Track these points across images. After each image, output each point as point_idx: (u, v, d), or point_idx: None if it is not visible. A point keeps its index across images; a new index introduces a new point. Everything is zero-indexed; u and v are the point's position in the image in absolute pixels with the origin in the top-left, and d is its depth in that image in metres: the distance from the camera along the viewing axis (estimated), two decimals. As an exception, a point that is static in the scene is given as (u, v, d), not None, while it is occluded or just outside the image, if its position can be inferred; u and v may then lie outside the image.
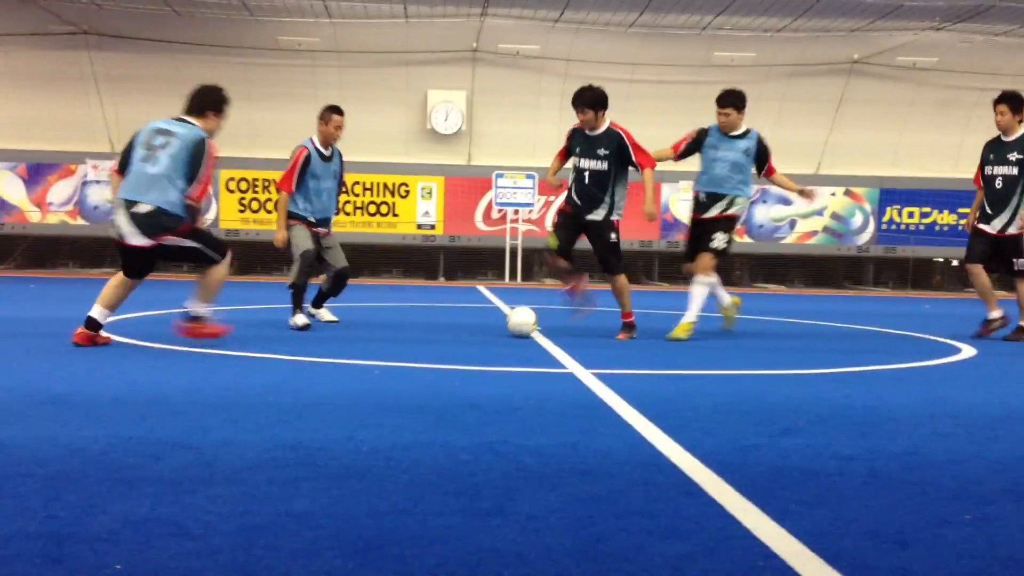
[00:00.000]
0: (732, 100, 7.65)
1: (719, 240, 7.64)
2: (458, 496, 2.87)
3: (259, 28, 17.13)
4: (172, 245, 6.24)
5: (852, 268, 19.33)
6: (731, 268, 18.89)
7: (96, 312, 6.22)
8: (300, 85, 17.46)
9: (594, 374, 5.46)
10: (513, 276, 17.57)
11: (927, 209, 18.61)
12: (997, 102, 8.37)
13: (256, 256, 18.05)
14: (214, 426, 3.79)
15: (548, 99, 17.35)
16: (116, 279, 6.32)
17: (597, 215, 7.45)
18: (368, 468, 3.18)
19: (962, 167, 17.72)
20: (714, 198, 7.69)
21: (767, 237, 18.47)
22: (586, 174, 7.42)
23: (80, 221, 17.37)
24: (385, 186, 17.89)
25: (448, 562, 2.30)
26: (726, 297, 8.25)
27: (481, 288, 15.37)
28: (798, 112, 18.31)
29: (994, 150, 8.42)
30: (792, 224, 18.53)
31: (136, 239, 6.15)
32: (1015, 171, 8.23)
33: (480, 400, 4.56)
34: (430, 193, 17.99)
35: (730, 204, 7.68)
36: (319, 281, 8.42)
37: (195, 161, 6.21)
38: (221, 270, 6.39)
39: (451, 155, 18.31)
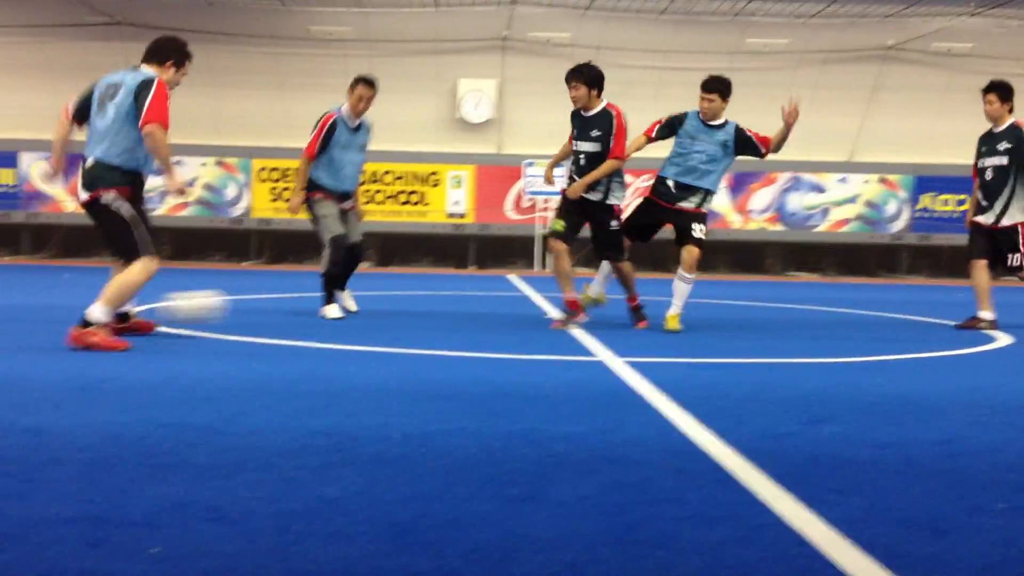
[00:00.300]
0: (718, 86, 7.45)
1: (699, 230, 7.40)
2: (490, 483, 2.88)
3: (290, 18, 17.19)
4: (108, 204, 5.66)
5: (886, 256, 19.15)
6: (763, 256, 18.77)
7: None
8: (331, 75, 17.50)
9: (624, 362, 5.45)
10: (543, 265, 17.56)
11: (963, 197, 18.37)
12: (986, 91, 8.23)
13: (288, 245, 18.15)
14: (248, 413, 3.82)
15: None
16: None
17: (594, 196, 7.29)
18: (400, 455, 3.20)
19: (999, 154, 17.47)
20: (688, 190, 7.40)
21: (800, 225, 18.33)
22: (582, 156, 7.25)
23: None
24: (415, 175, 17.92)
25: (481, 547, 2.31)
26: (599, 288, 7.74)
27: (511, 277, 15.37)
28: (831, 99, 18.12)
29: (985, 142, 8.31)
30: (825, 212, 18.37)
31: (81, 194, 5.75)
32: (1004, 161, 8.10)
33: (511, 388, 4.57)
34: (460, 182, 18.00)
35: (704, 199, 7.45)
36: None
37: (140, 104, 5.64)
38: (140, 271, 5.68)
39: (481, 144, 18.30)
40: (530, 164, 17.37)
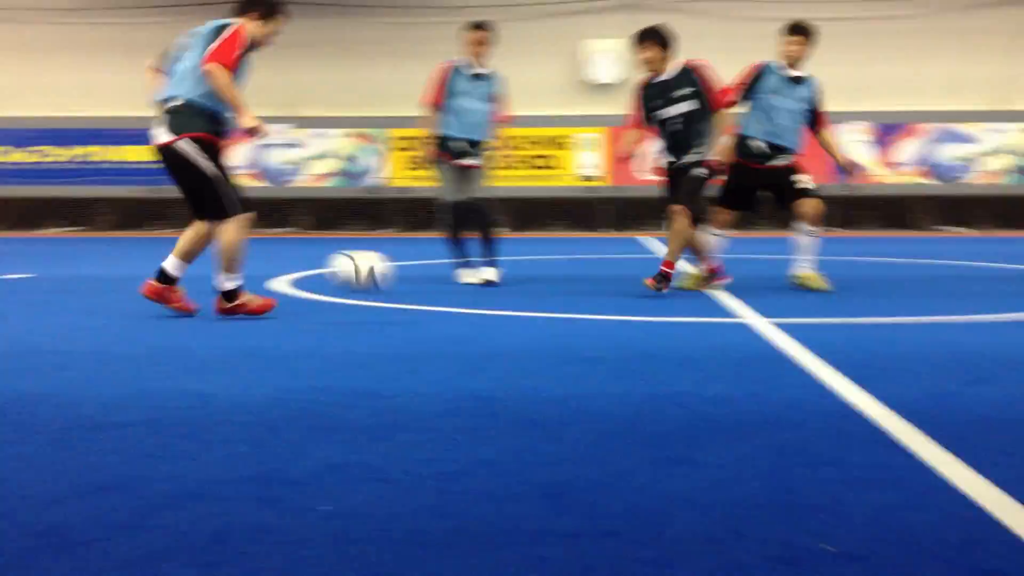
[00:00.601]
0: (803, 30, 7.14)
1: (806, 180, 7.13)
2: (642, 445, 2.88)
3: (420, -14, 17.38)
4: (187, 156, 5.42)
5: (1042, 208, 18.16)
6: (910, 210, 18.06)
7: (169, 263, 5.76)
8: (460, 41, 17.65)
9: (771, 323, 5.34)
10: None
11: None
12: None
13: (425, 213, 18.44)
14: (401, 376, 3.92)
15: (711, 42, 16.94)
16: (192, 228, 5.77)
17: (691, 157, 6.82)
18: (550, 417, 3.23)
19: None
20: (778, 150, 7.12)
21: (949, 177, 17.55)
22: (677, 121, 6.81)
23: (261, 183, 18.14)
24: (545, 139, 17.90)
25: (636, 508, 2.32)
26: (706, 266, 7.25)
27: (646, 239, 15.24)
28: (975, 46, 17.23)
29: None
30: (974, 163, 17.53)
31: (162, 136, 5.48)
32: None
33: (657, 351, 4.55)
34: (593, 144, 17.90)
35: (792, 156, 7.19)
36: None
37: (210, 44, 5.43)
38: (236, 230, 5.52)
39: (612, 105, 18.13)
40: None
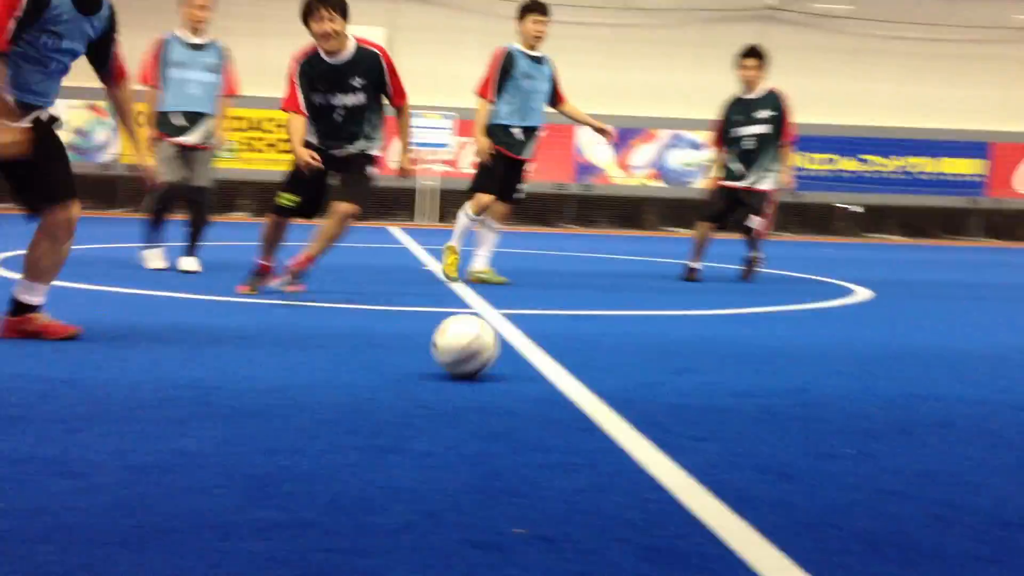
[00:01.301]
0: (545, 9, 7.16)
1: (525, 188, 7.35)
2: (355, 434, 2.86)
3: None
4: None
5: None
6: (642, 212, 19.02)
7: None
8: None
9: (500, 314, 5.46)
10: (428, 217, 17.49)
11: (830, 156, 18.96)
12: (747, 56, 8.54)
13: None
14: (104, 363, 3.69)
15: (468, 36, 17.23)
16: None
17: (355, 147, 5.97)
18: (265, 407, 3.14)
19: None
20: (529, 133, 7.20)
21: (678, 182, 18.63)
22: (339, 111, 5.88)
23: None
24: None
25: (338, 499, 2.29)
26: (484, 263, 7.30)
27: (393, 229, 15.23)
28: (715, 57, 18.48)
29: (741, 110, 8.53)
30: (703, 169, 18.72)
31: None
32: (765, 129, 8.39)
33: (381, 339, 4.54)
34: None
35: (535, 143, 7.35)
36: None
37: None
38: (47, 241, 4.14)
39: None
40: (415, 115, 17.13)
